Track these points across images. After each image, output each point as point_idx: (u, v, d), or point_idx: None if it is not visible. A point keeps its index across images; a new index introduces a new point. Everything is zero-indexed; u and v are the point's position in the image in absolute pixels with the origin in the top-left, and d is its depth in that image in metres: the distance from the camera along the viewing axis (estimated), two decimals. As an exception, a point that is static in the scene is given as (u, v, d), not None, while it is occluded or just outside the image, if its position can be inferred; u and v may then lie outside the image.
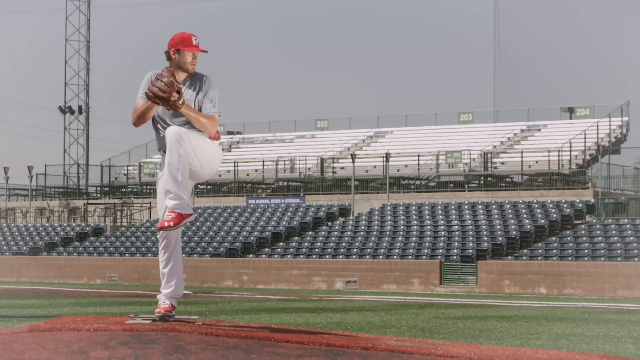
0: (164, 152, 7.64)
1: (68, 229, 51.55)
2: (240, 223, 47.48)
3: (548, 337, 15.12)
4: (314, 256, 41.91)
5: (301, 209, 47.86)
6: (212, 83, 7.68)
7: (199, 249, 44.91)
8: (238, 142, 62.55)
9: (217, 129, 7.76)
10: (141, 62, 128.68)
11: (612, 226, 39.14)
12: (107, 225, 51.72)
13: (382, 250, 41.00)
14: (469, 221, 42.31)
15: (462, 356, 6.97)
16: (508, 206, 43.10)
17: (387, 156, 48.91)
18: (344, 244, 42.53)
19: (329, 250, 42.12)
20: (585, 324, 18.44)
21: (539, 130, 55.29)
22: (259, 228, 46.39)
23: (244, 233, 45.95)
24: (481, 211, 43.13)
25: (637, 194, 46.64)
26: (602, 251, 37.20)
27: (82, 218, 54.45)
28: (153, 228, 49.55)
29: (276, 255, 42.93)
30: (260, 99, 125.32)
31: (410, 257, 40.13)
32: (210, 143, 7.71)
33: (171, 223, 7.51)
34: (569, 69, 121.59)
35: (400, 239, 41.88)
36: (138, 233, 49.07)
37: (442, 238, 41.28)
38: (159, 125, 7.73)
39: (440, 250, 40.04)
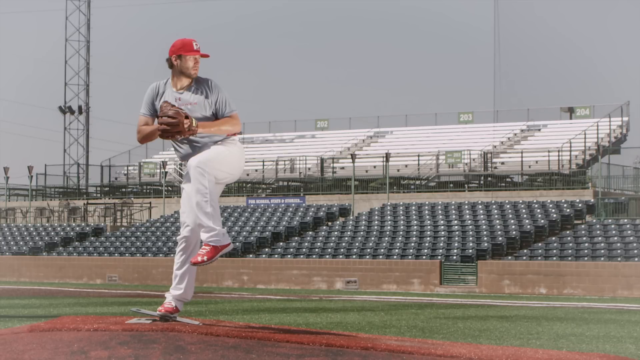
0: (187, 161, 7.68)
1: (68, 229, 51.54)
2: (240, 223, 47.48)
3: (548, 337, 15.12)
4: (314, 256, 41.91)
5: (301, 209, 47.86)
6: (218, 85, 7.70)
7: (199, 249, 44.87)
8: (238, 142, 62.55)
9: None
10: (141, 62, 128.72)
11: (612, 226, 39.12)
12: (107, 225, 51.71)
13: (382, 250, 41.00)
14: (469, 221, 42.31)
15: (462, 356, 6.97)
16: (508, 206, 43.09)
17: (387, 156, 48.91)
18: (344, 244, 42.52)
19: (329, 250, 42.11)
20: (585, 324, 18.43)
21: (539, 130, 55.28)
22: (259, 228, 46.39)
23: (244, 233, 45.94)
24: (481, 211, 43.13)
25: (637, 194, 46.63)
26: (602, 251, 37.19)
27: (82, 218, 54.43)
28: (153, 228, 49.57)
29: (276, 255, 42.93)
30: (260, 99, 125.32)
31: (410, 257, 40.12)
32: (230, 147, 7.70)
33: (205, 258, 7.53)
34: (568, 69, 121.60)
35: (400, 239, 41.88)
36: (138, 233, 49.06)
37: (442, 238, 41.27)
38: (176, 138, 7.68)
39: (440, 250, 40.04)
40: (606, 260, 36.43)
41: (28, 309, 21.31)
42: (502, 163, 51.37)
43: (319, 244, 43.17)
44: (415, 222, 43.37)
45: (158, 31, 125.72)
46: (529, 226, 40.64)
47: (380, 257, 40.47)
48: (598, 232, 39.01)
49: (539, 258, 37.84)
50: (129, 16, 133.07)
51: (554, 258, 37.54)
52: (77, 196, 59.78)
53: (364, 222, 44.54)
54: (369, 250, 41.22)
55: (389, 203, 46.20)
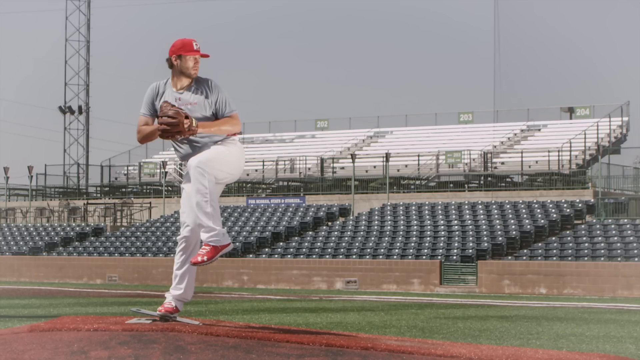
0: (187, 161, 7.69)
1: (68, 229, 51.54)
2: (240, 223, 47.48)
3: (548, 337, 15.12)
4: (314, 256, 41.91)
5: (301, 209, 47.85)
6: (218, 85, 7.70)
7: (199, 249, 44.84)
8: (238, 142, 62.50)
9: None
10: (141, 62, 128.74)
11: (612, 226, 39.12)
12: (107, 225, 51.71)
13: (382, 250, 41.00)
14: (469, 221, 42.30)
15: (462, 356, 6.97)
16: (508, 206, 43.09)
17: (387, 156, 48.91)
18: (344, 244, 42.52)
19: (329, 250, 42.11)
20: (585, 324, 18.43)
21: (539, 130, 55.28)
22: (259, 228, 46.38)
23: (244, 233, 45.94)
24: (481, 211, 43.12)
25: (637, 194, 46.63)
26: (602, 251, 37.18)
27: (82, 218, 54.43)
28: (153, 228, 49.57)
29: (276, 255, 42.93)
30: (260, 99, 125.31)
31: (410, 257, 40.12)
32: (230, 147, 7.70)
33: (205, 258, 7.54)
34: (568, 69, 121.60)
35: (400, 239, 41.87)
36: (138, 233, 49.06)
37: (442, 238, 41.27)
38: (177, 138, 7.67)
39: (440, 250, 40.03)
40: (606, 260, 36.42)
41: (28, 309, 21.31)
42: (502, 163, 51.37)
43: (319, 244, 43.17)
44: (415, 222, 43.37)
45: (158, 31, 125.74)
46: (529, 226, 40.63)
47: (380, 257, 40.46)
48: (598, 232, 39.01)
49: (539, 258, 37.84)
50: (129, 16, 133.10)
51: (554, 258, 37.54)
52: (77, 196, 59.78)
53: (364, 222, 44.54)
54: (369, 250, 41.21)
55: (389, 203, 46.19)
